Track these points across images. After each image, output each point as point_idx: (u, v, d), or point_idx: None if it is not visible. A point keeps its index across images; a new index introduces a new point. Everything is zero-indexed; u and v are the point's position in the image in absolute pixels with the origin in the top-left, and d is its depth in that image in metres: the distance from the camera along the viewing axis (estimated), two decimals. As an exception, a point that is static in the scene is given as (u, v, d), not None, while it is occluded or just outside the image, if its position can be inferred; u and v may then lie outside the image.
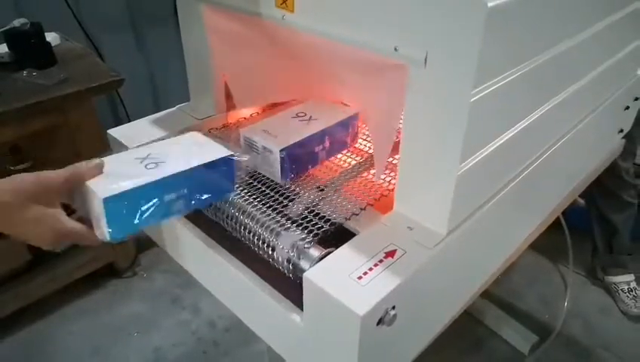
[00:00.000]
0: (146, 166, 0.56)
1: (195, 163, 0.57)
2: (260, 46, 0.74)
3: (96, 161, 0.55)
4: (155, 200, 0.54)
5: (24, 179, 0.50)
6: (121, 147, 0.76)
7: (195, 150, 0.60)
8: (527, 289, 1.66)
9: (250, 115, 0.87)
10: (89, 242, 0.54)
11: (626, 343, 1.48)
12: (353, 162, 0.76)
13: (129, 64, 1.70)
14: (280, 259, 0.58)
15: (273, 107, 0.91)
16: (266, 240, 0.59)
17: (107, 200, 0.51)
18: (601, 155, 1.12)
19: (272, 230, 0.60)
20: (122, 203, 0.52)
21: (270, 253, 0.59)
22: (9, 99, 1.17)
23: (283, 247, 0.57)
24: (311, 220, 0.61)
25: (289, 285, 0.58)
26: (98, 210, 0.51)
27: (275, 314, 0.60)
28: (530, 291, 1.65)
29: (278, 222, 0.61)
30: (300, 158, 0.67)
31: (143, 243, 1.70)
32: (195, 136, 0.64)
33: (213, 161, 0.58)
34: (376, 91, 0.61)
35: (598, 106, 0.89)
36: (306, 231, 0.59)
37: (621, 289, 1.60)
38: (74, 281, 1.53)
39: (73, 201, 0.55)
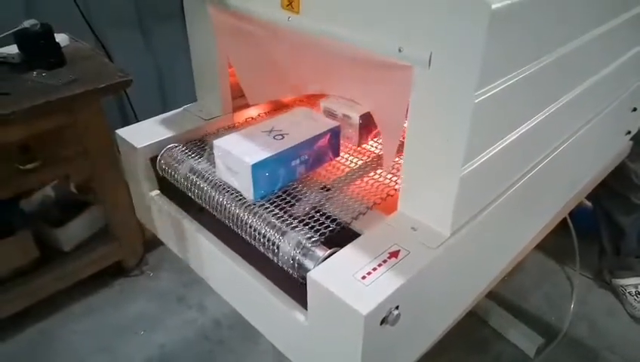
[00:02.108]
0: (274, 137, 0.68)
1: (313, 133, 0.69)
2: (268, 44, 0.75)
3: None
4: (285, 165, 0.67)
5: None
6: (129, 147, 0.77)
7: (309, 123, 0.73)
8: (533, 290, 1.65)
9: (258, 115, 0.88)
10: None
11: (632, 346, 1.47)
12: (359, 162, 0.76)
13: (137, 64, 1.71)
14: (285, 258, 0.58)
15: (281, 106, 0.91)
16: (271, 239, 0.60)
17: (254, 166, 0.62)
18: (608, 157, 1.11)
19: (277, 229, 0.60)
20: (264, 168, 0.64)
21: (275, 251, 0.59)
22: (19, 99, 1.18)
23: (288, 246, 0.58)
24: (316, 220, 0.62)
25: (293, 284, 0.59)
26: (245, 174, 0.63)
27: (280, 313, 0.60)
28: (536, 293, 1.65)
29: (283, 221, 0.62)
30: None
31: (150, 243, 1.71)
32: (305, 111, 0.77)
33: (325, 131, 0.71)
34: (381, 90, 0.61)
35: (604, 108, 0.89)
36: (311, 231, 0.59)
37: (628, 292, 1.59)
38: (81, 280, 1.54)
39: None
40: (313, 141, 0.70)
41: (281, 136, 0.69)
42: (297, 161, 0.68)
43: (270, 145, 0.66)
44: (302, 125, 0.72)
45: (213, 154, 0.69)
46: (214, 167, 0.70)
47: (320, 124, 0.73)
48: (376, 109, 0.68)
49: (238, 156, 0.64)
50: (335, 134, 0.73)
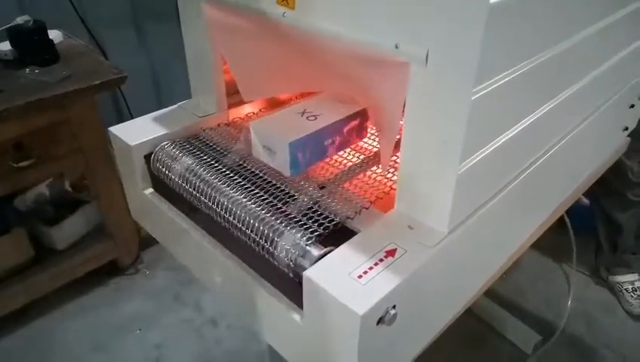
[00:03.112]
0: (307, 118, 0.73)
1: (343, 115, 0.73)
2: (264, 39, 0.74)
3: None
4: (319, 144, 0.71)
5: None
6: (123, 145, 0.76)
7: (337, 105, 0.76)
8: (530, 288, 1.65)
9: (254, 113, 0.87)
10: None
11: (629, 343, 1.48)
12: (355, 160, 0.75)
13: (131, 61, 1.70)
14: (280, 258, 0.58)
15: (276, 104, 0.90)
16: (267, 238, 0.59)
17: (291, 144, 0.66)
18: (606, 153, 1.11)
19: (272, 228, 0.60)
20: (300, 146, 0.68)
21: (270, 251, 0.59)
22: (12, 96, 1.17)
23: (283, 246, 0.57)
24: (312, 218, 0.61)
25: (289, 284, 0.58)
26: (283, 151, 0.67)
27: (276, 313, 0.60)
28: (533, 290, 1.65)
29: (278, 220, 0.61)
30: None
31: (146, 241, 1.70)
32: (332, 96, 0.79)
33: (354, 113, 0.74)
34: (378, 88, 0.61)
35: (601, 104, 0.89)
36: (306, 230, 0.59)
37: (625, 289, 1.59)
38: (76, 278, 1.53)
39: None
40: (343, 122, 0.75)
41: (314, 117, 0.73)
42: (329, 141, 0.73)
43: (304, 126, 0.71)
44: (331, 108, 0.77)
45: (248, 137, 0.73)
46: (214, 160, 0.71)
47: (348, 107, 0.77)
48: (373, 106, 0.67)
49: (277, 136, 0.69)
50: (363, 117, 0.77)
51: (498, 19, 0.46)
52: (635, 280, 1.59)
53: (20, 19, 1.28)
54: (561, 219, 1.22)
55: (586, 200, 1.62)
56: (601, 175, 1.13)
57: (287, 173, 0.69)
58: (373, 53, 0.55)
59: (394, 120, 0.60)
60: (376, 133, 0.80)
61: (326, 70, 0.71)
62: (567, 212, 1.13)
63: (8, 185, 1.34)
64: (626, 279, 1.60)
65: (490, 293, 1.55)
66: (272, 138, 0.70)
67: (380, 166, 0.72)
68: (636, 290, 1.57)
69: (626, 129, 1.11)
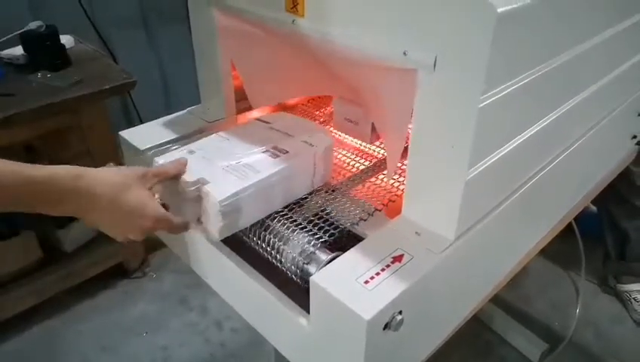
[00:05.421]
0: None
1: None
2: (272, 46, 0.75)
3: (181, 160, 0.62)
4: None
5: (123, 168, 0.57)
6: (132, 149, 0.77)
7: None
8: (538, 295, 1.64)
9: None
10: (175, 230, 0.59)
11: (638, 352, 1.46)
12: (362, 166, 0.76)
13: (142, 66, 1.72)
14: (288, 263, 0.58)
15: (283, 109, 0.91)
16: (274, 243, 0.59)
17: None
18: (614, 161, 1.10)
19: (280, 233, 0.60)
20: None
21: (278, 256, 0.59)
22: (24, 100, 1.18)
23: (291, 251, 0.58)
24: (319, 224, 0.61)
25: (296, 288, 0.58)
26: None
27: (282, 317, 0.60)
28: (541, 298, 1.63)
29: (286, 225, 0.61)
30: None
31: (153, 244, 1.71)
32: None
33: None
34: (386, 94, 0.61)
35: (609, 113, 0.88)
36: (313, 235, 0.59)
37: (634, 298, 1.57)
38: (84, 281, 1.54)
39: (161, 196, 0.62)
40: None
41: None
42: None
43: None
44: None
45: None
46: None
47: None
48: (381, 113, 0.68)
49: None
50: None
51: (506, 27, 0.46)
52: (644, 289, 1.58)
53: (32, 25, 1.30)
54: (569, 227, 1.21)
55: (594, 208, 1.61)
56: (609, 182, 1.13)
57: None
58: (381, 59, 0.55)
59: (402, 126, 0.60)
60: (381, 140, 0.80)
61: (334, 76, 0.72)
62: (576, 219, 1.13)
63: (19, 187, 1.36)
64: (634, 288, 1.58)
65: (497, 301, 1.54)
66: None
67: (387, 172, 0.72)
68: (645, 299, 1.56)
69: (634, 137, 1.10)
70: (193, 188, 0.59)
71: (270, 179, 0.61)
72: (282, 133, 0.71)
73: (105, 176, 0.54)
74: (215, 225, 0.58)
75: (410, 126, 0.57)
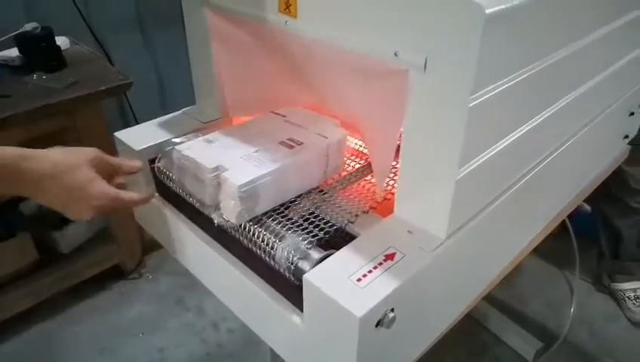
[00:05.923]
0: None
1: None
2: (260, 52, 0.75)
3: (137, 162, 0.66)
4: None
5: (71, 148, 0.59)
6: (128, 149, 0.77)
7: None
8: (532, 294, 1.65)
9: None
10: (128, 205, 0.62)
11: (632, 351, 1.47)
12: (356, 165, 0.76)
13: (137, 67, 1.72)
14: (281, 261, 0.59)
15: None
16: (267, 242, 0.60)
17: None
18: (606, 161, 1.11)
19: (273, 232, 0.61)
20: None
21: (271, 254, 0.60)
22: (19, 101, 1.19)
23: (284, 249, 0.58)
24: (312, 222, 0.62)
25: (290, 287, 0.59)
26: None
27: (276, 316, 0.60)
28: (535, 297, 1.64)
29: (279, 224, 0.62)
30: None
31: (149, 245, 1.71)
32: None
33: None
34: (378, 97, 0.61)
35: (601, 112, 0.89)
36: (306, 234, 0.60)
37: (627, 297, 1.58)
38: (80, 282, 1.54)
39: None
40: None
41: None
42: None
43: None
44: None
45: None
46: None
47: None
48: (372, 115, 0.68)
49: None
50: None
51: (494, 28, 0.47)
52: (637, 288, 1.58)
53: (27, 26, 1.30)
54: (563, 226, 1.22)
55: (588, 207, 1.62)
56: (603, 181, 1.14)
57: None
58: (372, 61, 0.56)
59: (393, 131, 0.60)
60: (366, 146, 0.79)
61: (324, 81, 0.71)
62: (570, 219, 1.13)
63: (14, 189, 1.36)
64: (628, 286, 1.60)
65: (491, 300, 1.55)
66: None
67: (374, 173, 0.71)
68: (638, 298, 1.57)
69: (627, 137, 1.11)
70: (212, 174, 0.62)
71: (286, 168, 0.64)
72: (297, 126, 0.74)
73: (49, 157, 0.56)
74: (233, 210, 0.61)
75: (401, 129, 0.58)
